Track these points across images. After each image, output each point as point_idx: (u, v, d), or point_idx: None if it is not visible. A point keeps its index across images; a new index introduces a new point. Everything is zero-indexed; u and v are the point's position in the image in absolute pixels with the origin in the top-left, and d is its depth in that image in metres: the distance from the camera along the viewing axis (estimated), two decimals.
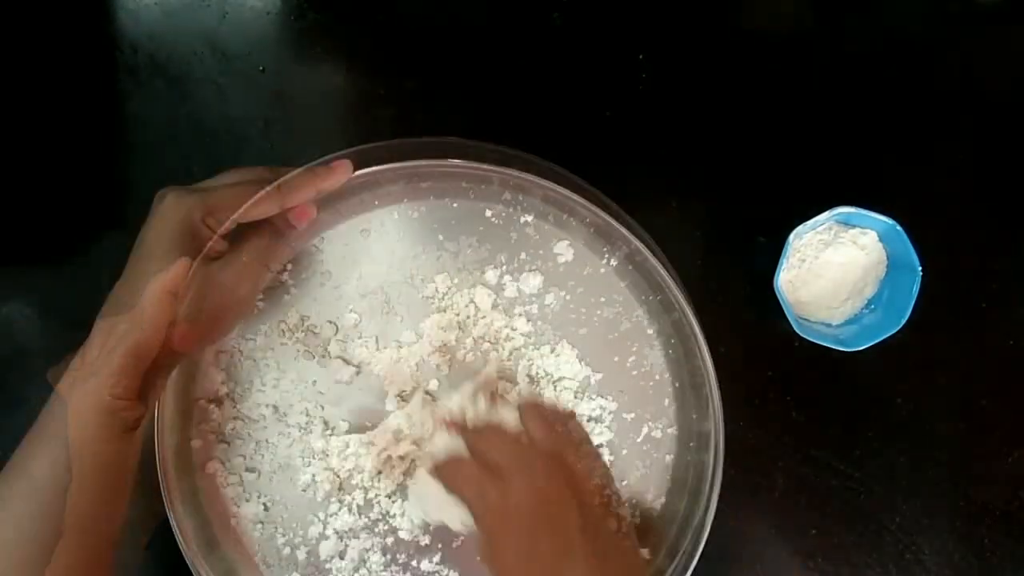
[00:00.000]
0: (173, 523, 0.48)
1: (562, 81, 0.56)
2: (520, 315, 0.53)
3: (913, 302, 0.51)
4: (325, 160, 0.47)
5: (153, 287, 0.41)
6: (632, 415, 0.54)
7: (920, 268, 0.51)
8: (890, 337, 0.51)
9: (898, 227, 0.51)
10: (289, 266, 0.53)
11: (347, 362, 0.53)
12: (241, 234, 0.46)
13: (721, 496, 0.50)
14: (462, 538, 0.52)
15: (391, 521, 0.52)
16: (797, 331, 0.51)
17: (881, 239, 0.53)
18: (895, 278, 0.53)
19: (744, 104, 0.57)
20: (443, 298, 0.53)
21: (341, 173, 0.47)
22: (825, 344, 0.52)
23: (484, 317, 0.53)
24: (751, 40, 0.57)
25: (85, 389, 0.40)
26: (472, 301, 0.53)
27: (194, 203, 0.42)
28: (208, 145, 0.55)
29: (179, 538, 0.48)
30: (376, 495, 0.52)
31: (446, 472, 0.45)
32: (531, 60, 0.56)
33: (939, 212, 0.57)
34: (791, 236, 0.51)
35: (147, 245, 0.42)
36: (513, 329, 0.53)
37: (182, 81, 0.55)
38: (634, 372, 0.54)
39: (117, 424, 0.40)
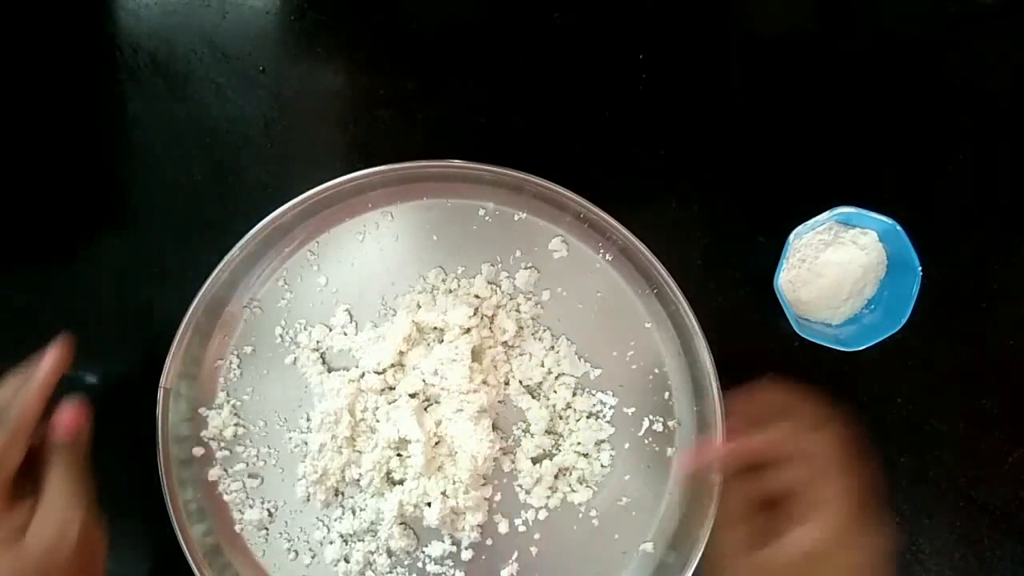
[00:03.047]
0: (177, 531, 0.48)
1: (562, 81, 0.56)
2: (517, 311, 0.54)
3: (913, 302, 0.51)
4: None
5: (27, 396, 0.39)
6: (632, 409, 0.54)
7: (920, 268, 0.51)
8: (890, 337, 0.51)
9: (898, 227, 0.51)
10: (285, 272, 0.53)
11: (346, 366, 0.53)
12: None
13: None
14: (467, 541, 0.52)
15: (394, 524, 0.52)
16: (797, 331, 0.51)
17: (881, 239, 0.53)
18: (895, 278, 0.53)
19: (744, 104, 0.57)
20: (441, 297, 0.53)
21: (59, 355, 0.42)
22: (825, 344, 0.52)
23: (483, 316, 0.53)
24: (751, 40, 0.57)
25: None
26: (475, 296, 0.53)
27: None
28: (208, 145, 0.55)
29: (184, 546, 0.48)
30: (379, 499, 0.52)
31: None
32: (531, 60, 0.56)
33: (939, 212, 0.57)
34: (791, 236, 0.51)
35: None
36: (516, 312, 0.54)
37: (182, 81, 0.55)
38: (633, 366, 0.54)
39: None
